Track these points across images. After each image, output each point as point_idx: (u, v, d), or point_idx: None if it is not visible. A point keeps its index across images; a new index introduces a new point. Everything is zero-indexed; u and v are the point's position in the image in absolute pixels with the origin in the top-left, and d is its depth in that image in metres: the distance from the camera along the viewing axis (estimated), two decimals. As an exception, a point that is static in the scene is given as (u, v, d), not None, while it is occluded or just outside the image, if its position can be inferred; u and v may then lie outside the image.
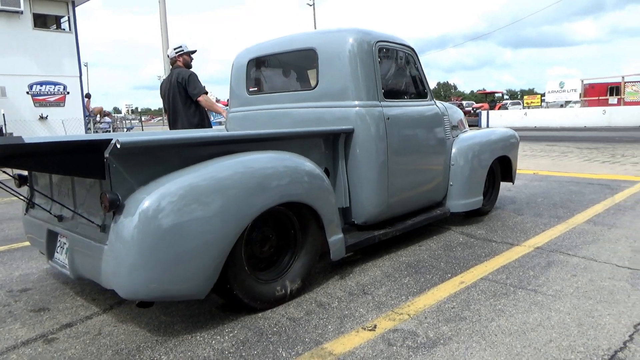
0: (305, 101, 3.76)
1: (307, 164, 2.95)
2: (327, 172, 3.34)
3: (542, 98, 31.74)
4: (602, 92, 29.32)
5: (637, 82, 27.43)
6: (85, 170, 2.29)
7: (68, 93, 15.31)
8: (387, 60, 3.77)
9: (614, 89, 28.62)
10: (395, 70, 3.89)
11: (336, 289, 3.02)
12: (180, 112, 5.20)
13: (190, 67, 5.36)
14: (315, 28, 39.10)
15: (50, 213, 2.80)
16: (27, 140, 2.78)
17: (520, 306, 2.67)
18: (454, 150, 4.32)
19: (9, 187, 2.58)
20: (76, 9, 15.39)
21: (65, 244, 2.77)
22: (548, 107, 29.31)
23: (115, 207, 2.26)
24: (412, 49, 4.02)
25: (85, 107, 16.65)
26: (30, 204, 3.21)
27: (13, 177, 3.16)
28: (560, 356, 2.14)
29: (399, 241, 3.99)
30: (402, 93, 3.91)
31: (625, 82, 26.30)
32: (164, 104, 5.44)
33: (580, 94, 27.22)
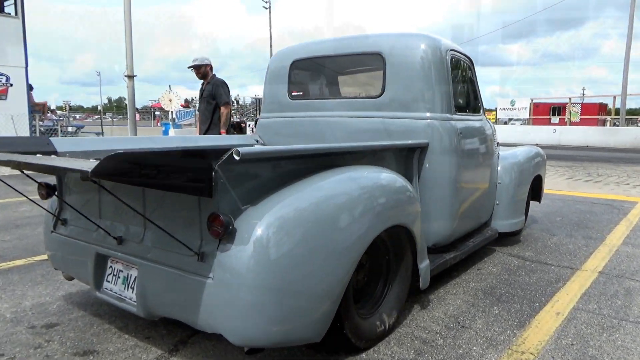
0: (365, 110, 3.43)
1: (402, 181, 2.62)
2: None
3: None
4: (545, 112, 31.03)
5: (578, 103, 29.27)
6: (187, 185, 1.81)
7: (11, 85, 13.89)
8: (456, 71, 3.51)
9: (557, 109, 30.37)
10: (462, 82, 3.64)
11: (428, 322, 2.70)
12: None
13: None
14: (270, 31, 35.03)
15: (109, 234, 2.28)
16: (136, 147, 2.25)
17: (639, 341, 2.47)
18: (499, 167, 4.13)
19: (22, 193, 2.06)
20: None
21: (121, 271, 2.28)
22: (496, 124, 30.51)
23: (227, 233, 1.83)
24: (472, 60, 3.80)
25: (30, 101, 15.25)
26: (60, 220, 2.65)
27: (39, 184, 2.60)
28: None
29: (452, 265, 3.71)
30: (466, 106, 3.66)
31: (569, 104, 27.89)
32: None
33: (529, 112, 28.59)
